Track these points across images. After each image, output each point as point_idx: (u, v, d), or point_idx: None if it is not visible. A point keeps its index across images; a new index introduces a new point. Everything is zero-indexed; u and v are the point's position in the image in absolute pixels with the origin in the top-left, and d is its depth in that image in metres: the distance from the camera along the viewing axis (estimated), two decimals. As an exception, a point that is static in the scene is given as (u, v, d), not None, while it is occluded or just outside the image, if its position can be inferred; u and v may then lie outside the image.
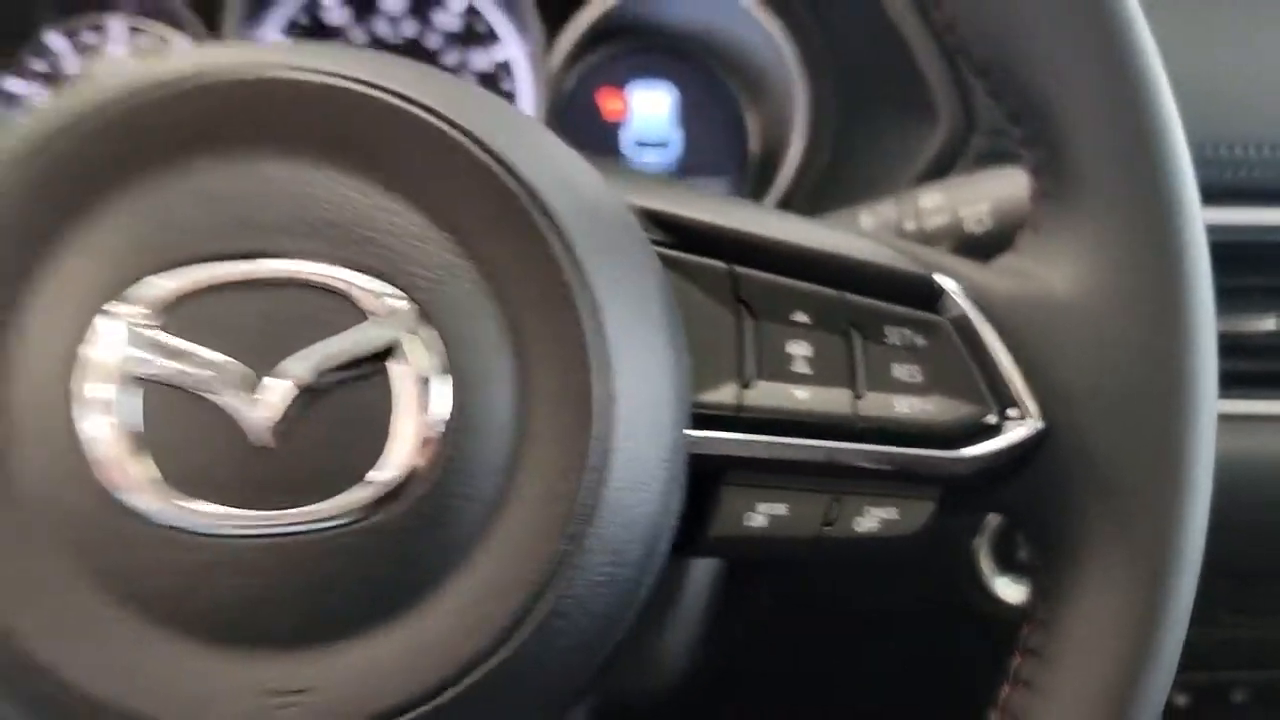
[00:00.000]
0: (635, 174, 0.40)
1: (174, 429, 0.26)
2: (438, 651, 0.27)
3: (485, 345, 0.27)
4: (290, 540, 0.26)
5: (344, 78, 0.27)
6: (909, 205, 0.47)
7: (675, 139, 0.72)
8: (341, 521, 0.26)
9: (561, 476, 0.27)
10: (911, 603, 0.65)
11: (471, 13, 0.69)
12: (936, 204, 0.47)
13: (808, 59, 0.68)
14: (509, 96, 0.69)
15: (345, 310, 0.26)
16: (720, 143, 0.73)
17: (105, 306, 0.25)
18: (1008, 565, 0.63)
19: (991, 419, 0.34)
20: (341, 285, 0.26)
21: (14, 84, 0.65)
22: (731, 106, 0.73)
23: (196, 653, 0.26)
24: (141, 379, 0.25)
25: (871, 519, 0.33)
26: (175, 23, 0.66)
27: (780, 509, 0.32)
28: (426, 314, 0.27)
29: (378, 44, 0.69)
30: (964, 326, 0.34)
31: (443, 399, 0.26)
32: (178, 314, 0.26)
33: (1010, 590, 0.63)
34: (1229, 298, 0.52)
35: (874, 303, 0.34)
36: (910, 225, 0.47)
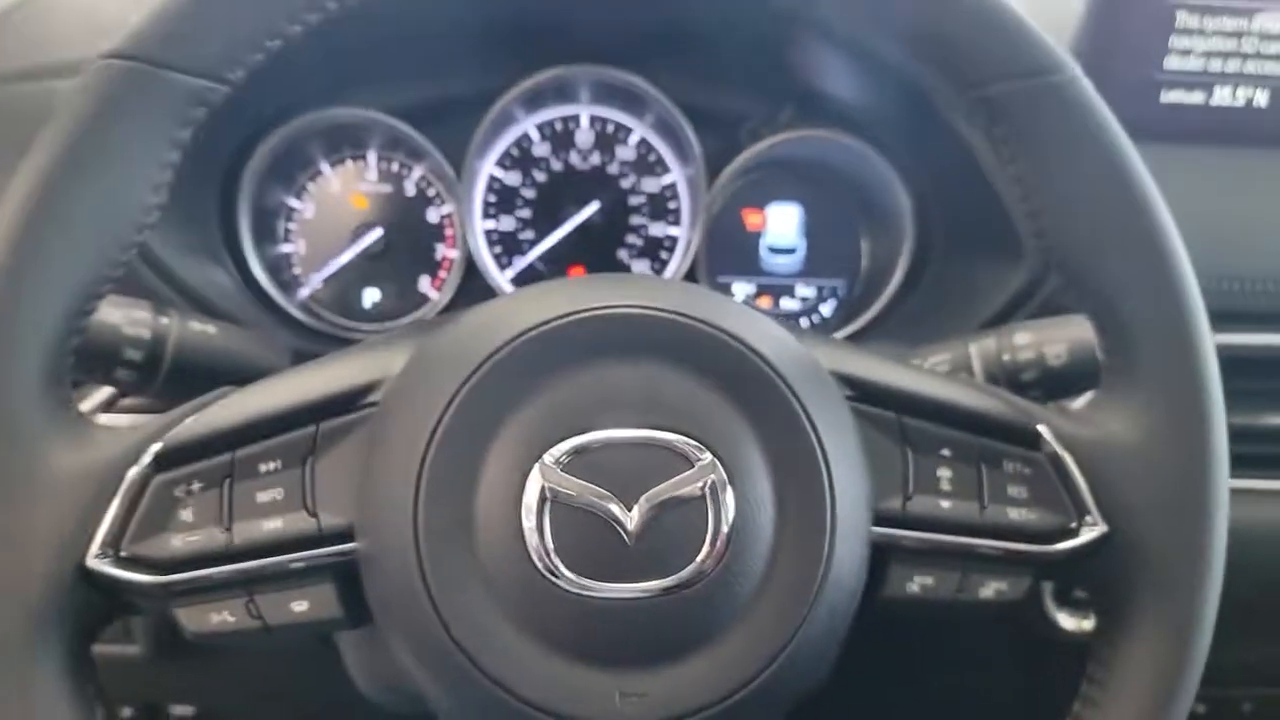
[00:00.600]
0: (826, 340, 0.51)
1: (577, 531, 0.39)
2: (720, 676, 0.40)
3: (757, 479, 0.41)
4: (641, 602, 0.39)
5: (676, 313, 0.41)
6: (1006, 339, 0.59)
7: (801, 247, 0.83)
8: (673, 591, 0.39)
9: (806, 561, 0.40)
10: (993, 632, 0.78)
11: (645, 146, 0.81)
12: (1026, 341, 0.59)
13: (915, 196, 0.78)
14: (675, 213, 0.81)
15: (677, 461, 0.40)
16: (838, 253, 0.83)
17: (540, 455, 0.39)
18: (1065, 603, 0.73)
19: (1073, 525, 0.45)
20: (675, 445, 0.40)
21: (295, 202, 0.79)
22: (849, 225, 0.83)
23: (581, 669, 0.39)
24: (559, 500, 0.39)
25: (989, 589, 0.45)
26: (417, 155, 0.78)
27: (929, 580, 0.45)
28: (722, 461, 0.40)
29: (570, 170, 0.80)
30: (1056, 461, 0.45)
31: (731, 514, 0.40)
32: (580, 460, 0.39)
33: (1068, 621, 0.73)
34: (1247, 397, 0.64)
35: (995, 443, 0.45)
36: (1007, 357, 0.58)
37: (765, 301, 0.84)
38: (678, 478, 0.40)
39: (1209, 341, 0.45)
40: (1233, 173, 0.74)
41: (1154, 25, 0.71)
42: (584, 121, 0.81)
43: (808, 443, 0.41)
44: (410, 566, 0.39)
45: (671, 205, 0.82)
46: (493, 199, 0.81)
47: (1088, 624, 0.71)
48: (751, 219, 0.83)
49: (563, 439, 0.40)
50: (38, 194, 0.39)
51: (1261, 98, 0.73)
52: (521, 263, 0.81)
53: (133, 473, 0.41)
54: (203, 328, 0.58)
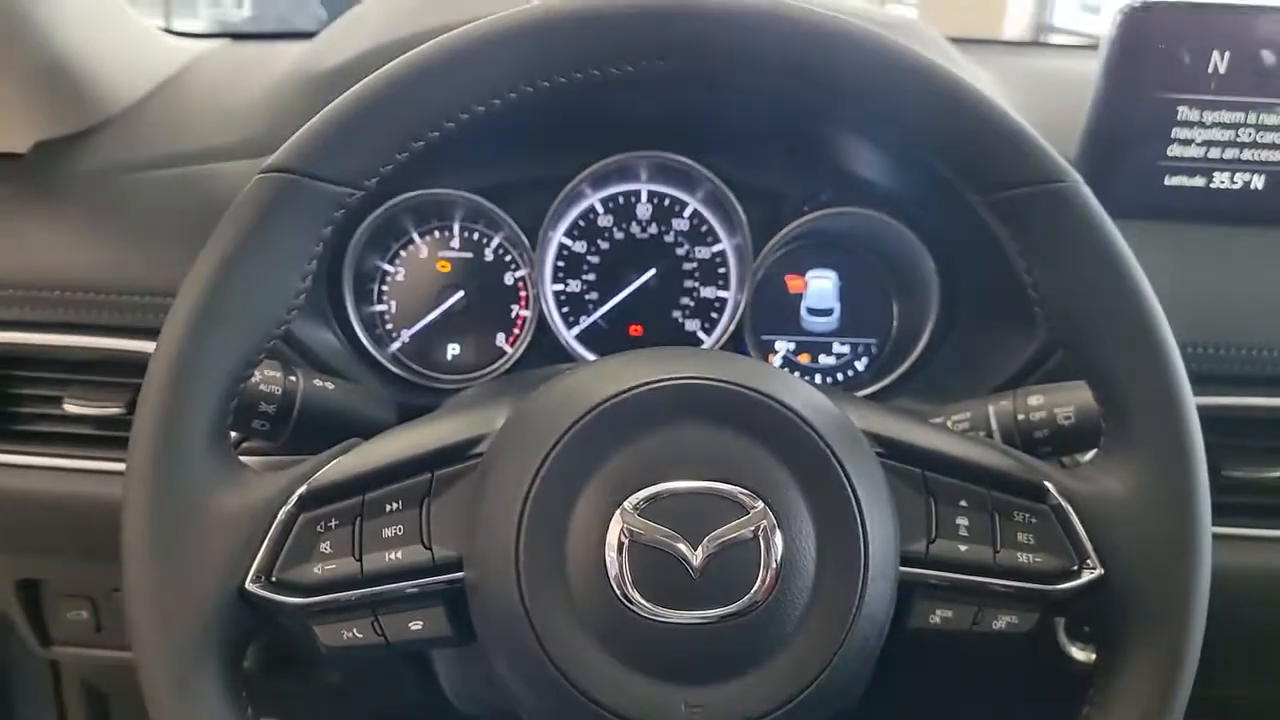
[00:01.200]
0: (859, 402, 0.56)
1: (651, 566, 0.45)
2: (770, 692, 0.46)
3: (801, 524, 0.46)
4: (703, 627, 0.45)
5: (732, 383, 0.48)
6: (1021, 401, 0.64)
7: (837, 309, 0.89)
8: (730, 619, 0.45)
9: (843, 595, 0.46)
10: (1010, 662, 0.83)
11: (697, 217, 0.87)
12: (1039, 403, 0.64)
13: (941, 267, 0.83)
14: (724, 278, 0.87)
15: (734, 508, 0.46)
16: (871, 315, 0.89)
17: (621, 503, 0.46)
18: (1075, 637, 0.77)
19: (1074, 567, 0.49)
20: (732, 495, 0.46)
21: (388, 266, 0.86)
22: (881, 290, 0.88)
23: (653, 683, 0.45)
24: (636, 540, 0.45)
25: (1002, 621, 0.50)
26: (496, 226, 0.85)
27: (949, 613, 0.50)
28: (772, 509, 0.46)
29: (631, 239, 0.87)
30: (1059, 512, 0.50)
31: (779, 554, 0.46)
32: (654, 507, 0.45)
33: (1080, 654, 0.77)
34: (1240, 453, 0.68)
35: (1006, 496, 0.51)
36: (1021, 416, 0.64)
37: (804, 358, 0.90)
38: (734, 522, 0.46)
39: (1193, 412, 0.49)
40: (1231, 248, 0.79)
41: (1158, 117, 0.77)
42: (643, 196, 0.87)
43: (844, 493, 0.47)
44: (511, 594, 0.45)
45: (721, 271, 0.88)
46: (562, 264, 0.88)
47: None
48: (793, 283, 0.89)
49: (639, 489, 0.46)
50: (212, 282, 0.47)
51: (1258, 182, 0.79)
52: (586, 321, 0.88)
53: (283, 512, 0.48)
54: (323, 383, 0.66)
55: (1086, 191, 0.50)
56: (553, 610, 0.45)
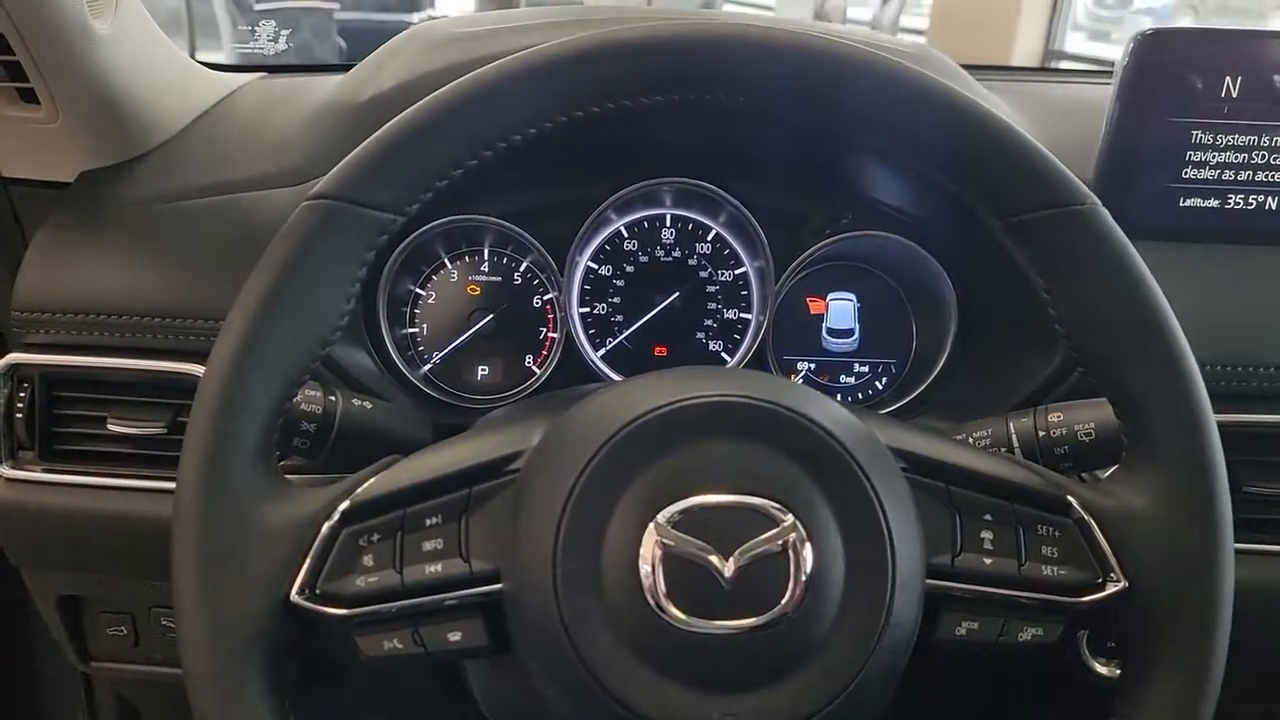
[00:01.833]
0: (885, 420, 0.57)
1: (684, 577, 0.45)
2: (801, 700, 0.46)
3: (830, 537, 0.47)
4: (735, 636, 0.46)
5: (761, 400, 0.48)
6: (1042, 418, 0.65)
7: (857, 330, 0.89)
8: (761, 629, 0.45)
9: (871, 607, 0.47)
10: (1037, 676, 0.82)
11: (720, 241, 0.88)
12: (1060, 420, 0.64)
13: (959, 288, 0.84)
14: (746, 300, 0.88)
15: (764, 521, 0.46)
16: (890, 336, 0.89)
17: (654, 516, 0.46)
18: (1100, 651, 0.77)
19: (1098, 580, 0.50)
20: (762, 508, 0.46)
21: (419, 290, 0.87)
22: (900, 312, 0.89)
23: (687, 691, 0.46)
24: (669, 552, 0.46)
25: (1027, 633, 0.51)
26: (524, 251, 0.86)
27: (975, 625, 0.50)
28: (802, 522, 0.46)
29: (656, 262, 0.88)
30: (1083, 526, 0.50)
31: (809, 566, 0.46)
32: (686, 520, 0.46)
33: (1103, 668, 0.77)
34: (1260, 468, 0.68)
35: (1030, 510, 0.51)
36: (1042, 433, 0.64)
37: (825, 378, 0.90)
38: (765, 535, 0.46)
39: (1214, 429, 0.50)
40: (1246, 267, 0.79)
41: (1173, 141, 0.77)
42: (667, 221, 0.88)
43: (871, 507, 0.48)
44: (549, 604, 0.46)
45: (743, 293, 0.89)
46: (589, 288, 0.89)
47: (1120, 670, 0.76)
48: (814, 305, 0.90)
49: (672, 503, 0.46)
50: (262, 304, 0.48)
51: (1272, 202, 0.79)
52: (613, 343, 0.89)
53: (326, 526, 0.49)
54: (361, 403, 0.67)
55: (1105, 214, 0.50)
56: (588, 620, 0.46)
